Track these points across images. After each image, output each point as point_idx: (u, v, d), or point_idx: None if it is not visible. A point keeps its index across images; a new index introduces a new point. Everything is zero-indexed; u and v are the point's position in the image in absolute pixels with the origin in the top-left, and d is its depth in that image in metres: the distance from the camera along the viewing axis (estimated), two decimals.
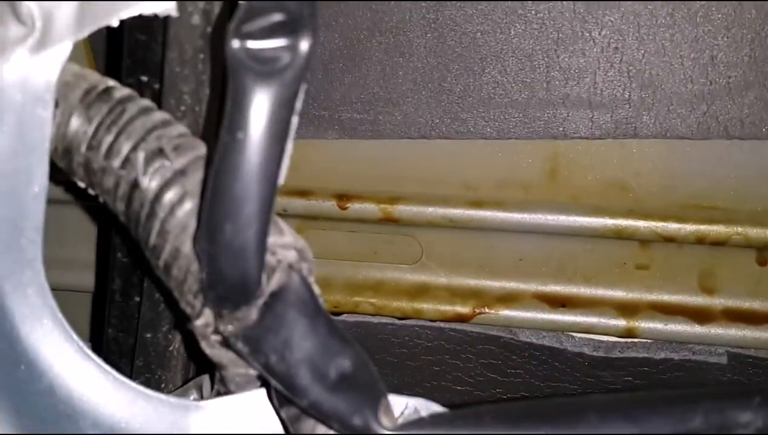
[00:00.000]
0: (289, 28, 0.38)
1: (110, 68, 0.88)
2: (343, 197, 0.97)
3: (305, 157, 0.98)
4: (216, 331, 0.45)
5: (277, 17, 0.38)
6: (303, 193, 0.98)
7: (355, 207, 0.97)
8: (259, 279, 0.43)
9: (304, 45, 0.38)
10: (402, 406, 0.45)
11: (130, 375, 0.67)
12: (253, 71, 0.38)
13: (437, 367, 1.02)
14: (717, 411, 0.45)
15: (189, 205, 0.46)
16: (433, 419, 0.43)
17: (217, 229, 0.41)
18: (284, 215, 0.97)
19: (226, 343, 0.45)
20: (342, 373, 0.42)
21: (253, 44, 0.38)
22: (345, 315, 1.02)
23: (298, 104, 0.39)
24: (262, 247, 0.41)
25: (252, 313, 0.43)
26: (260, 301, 0.43)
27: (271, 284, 0.43)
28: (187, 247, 0.46)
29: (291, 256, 0.45)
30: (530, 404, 0.45)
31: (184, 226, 0.46)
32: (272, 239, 0.45)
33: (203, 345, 0.48)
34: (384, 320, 1.01)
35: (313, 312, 0.44)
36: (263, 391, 0.49)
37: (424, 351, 1.01)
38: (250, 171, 0.39)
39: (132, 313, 0.69)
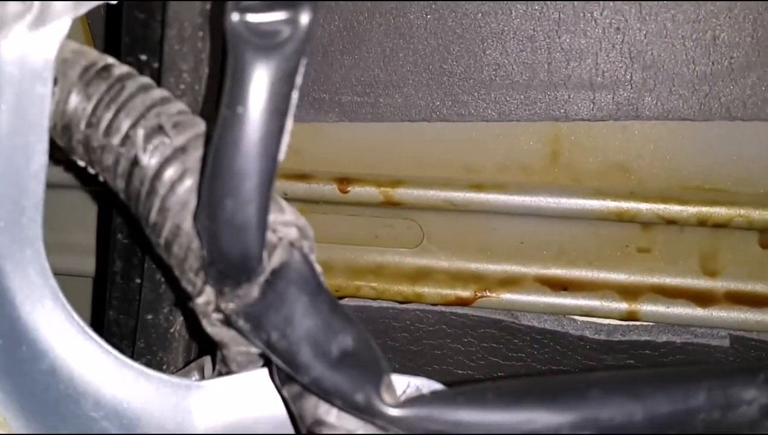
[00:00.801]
0: (288, 2, 0.38)
1: (109, 47, 0.87)
2: (343, 181, 0.97)
3: (305, 141, 0.97)
4: (217, 309, 0.45)
5: None
6: (303, 177, 0.98)
7: (356, 190, 0.96)
8: (260, 256, 0.42)
9: (305, 18, 0.38)
10: (404, 385, 0.45)
11: (132, 357, 0.67)
12: (253, 45, 0.38)
13: (438, 351, 1.02)
14: (721, 388, 0.45)
15: (189, 182, 0.46)
16: (436, 396, 0.43)
17: (218, 205, 0.40)
18: (285, 199, 0.96)
19: (227, 320, 0.45)
20: (344, 350, 0.42)
21: (252, 18, 0.37)
22: (346, 299, 1.01)
23: (299, 79, 0.39)
24: (262, 223, 0.41)
25: (253, 290, 0.43)
26: (261, 278, 0.43)
27: (272, 261, 0.43)
28: (187, 224, 0.45)
29: (292, 233, 0.45)
30: (533, 381, 0.45)
31: (185, 203, 0.45)
32: (273, 217, 0.44)
33: (204, 323, 0.47)
34: (385, 304, 1.00)
35: (315, 289, 0.44)
36: (265, 371, 0.49)
37: (425, 335, 1.01)
38: (251, 146, 0.39)
39: (133, 295, 0.68)
